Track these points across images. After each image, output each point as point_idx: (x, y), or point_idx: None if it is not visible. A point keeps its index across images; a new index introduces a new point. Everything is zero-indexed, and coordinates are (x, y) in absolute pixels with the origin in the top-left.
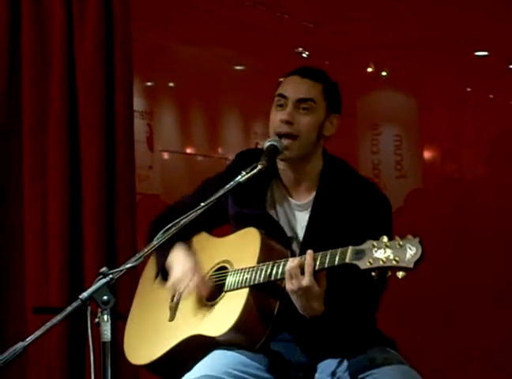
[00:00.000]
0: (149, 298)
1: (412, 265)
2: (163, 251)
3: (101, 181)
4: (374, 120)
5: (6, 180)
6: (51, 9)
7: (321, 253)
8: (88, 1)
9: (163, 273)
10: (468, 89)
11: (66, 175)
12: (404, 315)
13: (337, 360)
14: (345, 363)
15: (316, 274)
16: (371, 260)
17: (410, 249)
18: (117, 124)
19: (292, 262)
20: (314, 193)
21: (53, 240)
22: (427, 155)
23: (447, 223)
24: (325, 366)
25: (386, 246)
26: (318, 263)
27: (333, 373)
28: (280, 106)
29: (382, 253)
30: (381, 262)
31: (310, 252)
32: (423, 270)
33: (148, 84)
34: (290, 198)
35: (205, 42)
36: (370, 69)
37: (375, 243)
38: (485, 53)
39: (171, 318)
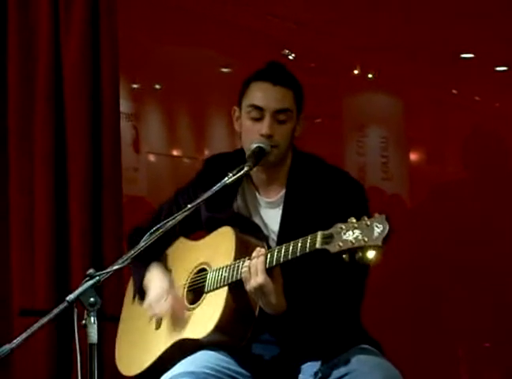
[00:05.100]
0: (135, 310)
1: (380, 242)
2: (140, 270)
3: (88, 184)
4: (360, 122)
5: None
6: (37, 12)
7: (276, 247)
8: (74, 3)
9: (140, 293)
10: (454, 91)
11: (53, 178)
12: (389, 317)
13: (320, 361)
14: (328, 363)
15: (271, 271)
16: (341, 243)
17: (377, 227)
18: (103, 126)
19: (245, 263)
20: (284, 190)
21: (39, 242)
22: (412, 157)
23: (433, 224)
24: (309, 367)
25: (354, 227)
26: (273, 259)
27: (316, 373)
28: (256, 118)
29: (350, 235)
30: (350, 244)
31: (262, 250)
32: (406, 272)
33: (134, 86)
34: (260, 197)
35: (191, 43)
36: (356, 71)
37: (343, 226)
38: (471, 55)
39: (157, 326)
